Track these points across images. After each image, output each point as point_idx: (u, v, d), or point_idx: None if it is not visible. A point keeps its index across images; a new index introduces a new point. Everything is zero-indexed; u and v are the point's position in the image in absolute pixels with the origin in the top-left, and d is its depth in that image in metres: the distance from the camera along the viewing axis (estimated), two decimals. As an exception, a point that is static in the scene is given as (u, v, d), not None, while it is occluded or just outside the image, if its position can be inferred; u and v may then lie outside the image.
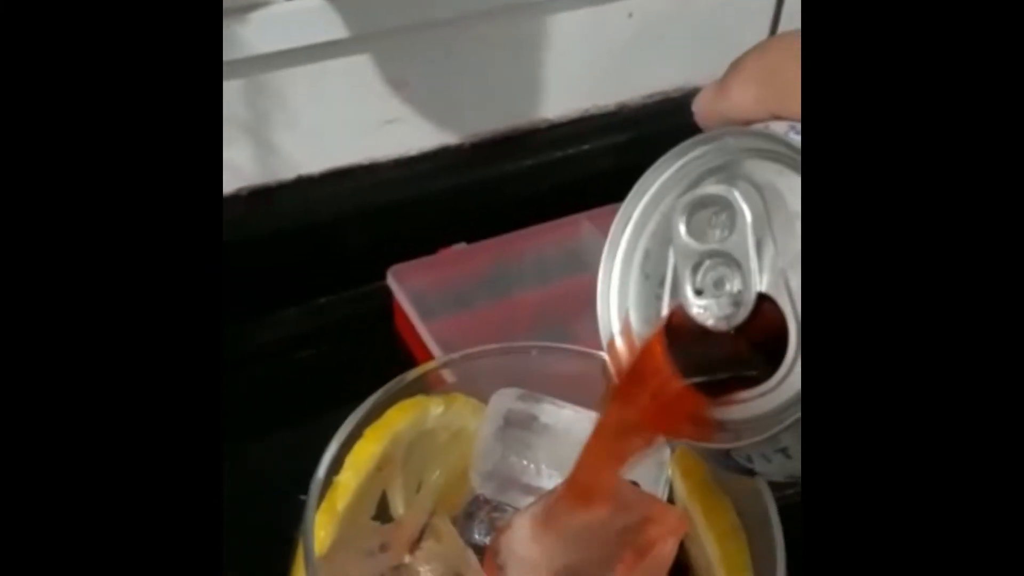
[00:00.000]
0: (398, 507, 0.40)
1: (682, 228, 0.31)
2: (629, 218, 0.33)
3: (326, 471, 0.37)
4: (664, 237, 0.32)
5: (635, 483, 0.40)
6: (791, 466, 0.30)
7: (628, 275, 0.33)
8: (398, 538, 0.38)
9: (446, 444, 0.41)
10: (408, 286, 0.63)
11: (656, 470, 0.40)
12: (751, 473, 0.31)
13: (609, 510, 0.37)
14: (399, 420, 0.39)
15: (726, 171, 0.30)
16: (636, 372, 0.32)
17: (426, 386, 0.41)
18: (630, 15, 0.70)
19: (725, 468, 0.32)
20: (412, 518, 0.38)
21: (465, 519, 0.41)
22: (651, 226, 0.32)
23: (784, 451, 0.29)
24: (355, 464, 0.38)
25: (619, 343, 0.33)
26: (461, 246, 0.67)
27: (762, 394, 0.29)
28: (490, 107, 0.70)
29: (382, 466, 0.38)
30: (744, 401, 0.30)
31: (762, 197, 0.29)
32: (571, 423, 0.41)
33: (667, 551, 0.37)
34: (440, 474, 0.41)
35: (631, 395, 0.32)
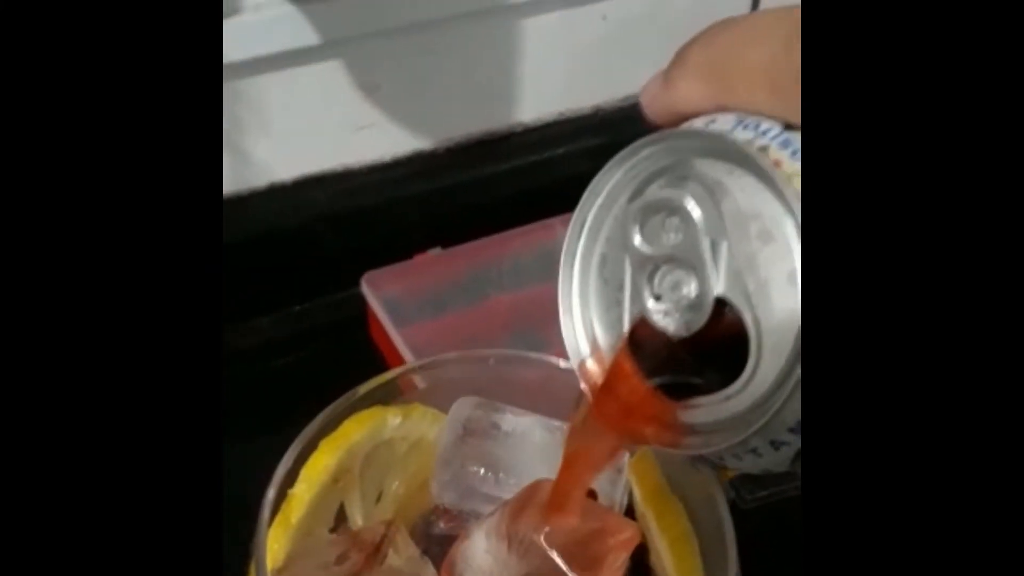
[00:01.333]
0: (356, 519, 0.40)
1: (636, 234, 0.30)
2: (583, 224, 0.32)
3: (278, 485, 0.37)
4: (619, 242, 0.31)
5: (592, 492, 0.40)
6: (763, 462, 0.29)
7: (587, 282, 0.33)
8: (356, 550, 0.38)
9: (405, 454, 0.41)
10: (382, 293, 0.63)
11: (614, 475, 0.40)
12: (725, 468, 0.31)
13: (568, 521, 0.37)
14: (355, 431, 0.39)
15: (676, 171, 0.30)
16: (605, 381, 0.32)
17: (385, 396, 0.41)
18: (604, 17, 0.70)
19: (697, 463, 0.32)
20: (370, 529, 0.38)
21: (424, 529, 0.40)
22: (605, 231, 0.32)
23: (755, 451, 0.29)
24: (310, 477, 0.37)
25: (586, 354, 0.33)
26: (436, 251, 0.67)
27: (728, 397, 0.29)
28: (464, 111, 0.69)
29: (338, 478, 0.38)
30: (711, 405, 0.29)
31: (713, 198, 0.28)
32: (531, 431, 0.41)
33: (619, 563, 0.37)
34: (399, 484, 0.41)
35: (602, 403, 0.32)
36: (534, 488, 0.38)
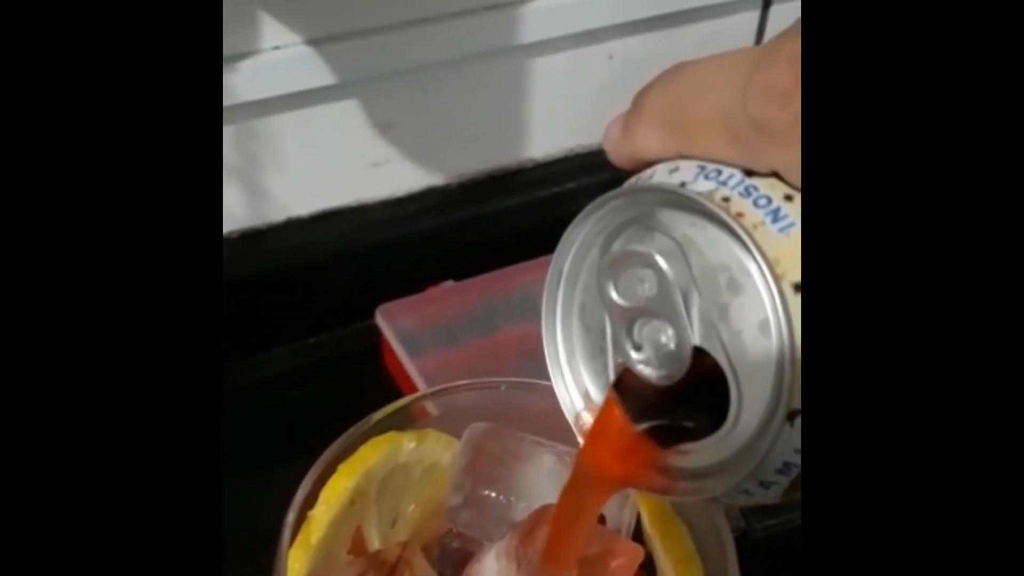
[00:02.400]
0: (373, 541, 0.41)
1: (611, 288, 0.30)
2: (561, 273, 0.32)
3: (298, 507, 0.38)
4: (596, 292, 0.31)
5: (601, 515, 0.41)
6: (755, 499, 0.30)
7: (570, 330, 0.33)
8: (372, 571, 0.39)
9: (420, 478, 0.42)
10: (396, 324, 0.65)
11: (622, 499, 0.41)
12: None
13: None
14: (372, 456, 0.40)
15: (643, 223, 0.29)
16: (594, 427, 0.32)
17: (399, 422, 0.42)
18: (611, 57, 0.72)
19: None
20: (386, 551, 0.40)
21: (439, 551, 0.42)
22: (583, 279, 0.32)
23: (746, 491, 0.29)
24: (328, 499, 0.39)
25: (579, 403, 0.33)
26: (449, 284, 0.69)
27: (716, 442, 0.29)
28: (476, 148, 0.71)
29: (355, 500, 0.40)
30: (700, 450, 0.29)
31: (682, 251, 0.28)
32: (541, 456, 0.42)
33: None
34: (415, 508, 0.42)
35: (592, 450, 0.32)
36: (543, 511, 0.39)
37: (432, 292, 0.68)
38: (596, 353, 0.32)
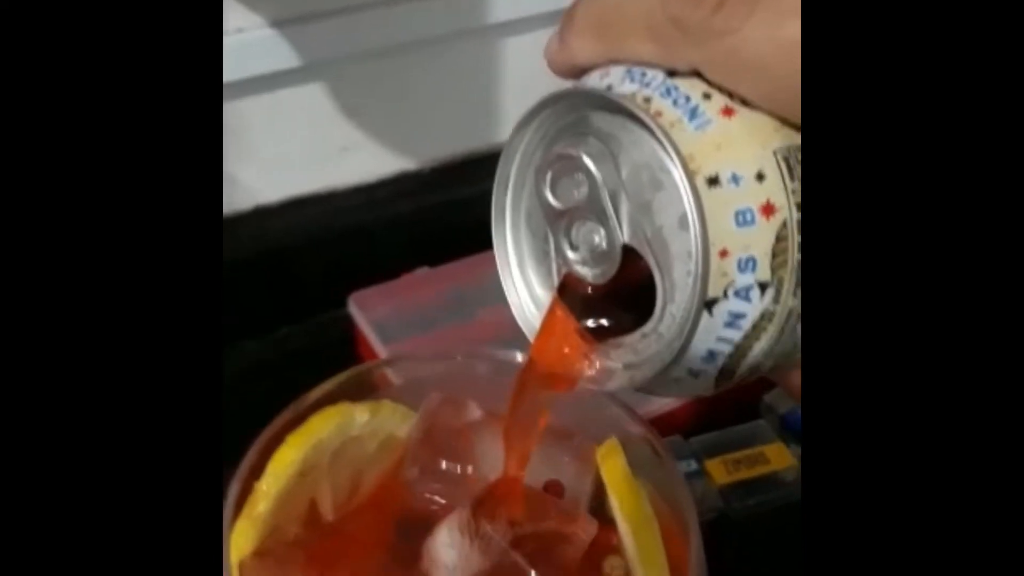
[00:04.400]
0: (327, 515, 0.40)
1: (547, 190, 0.32)
2: (507, 181, 0.34)
3: (243, 478, 0.37)
4: (538, 198, 0.33)
5: (559, 486, 0.40)
6: (688, 389, 0.31)
7: (519, 236, 0.34)
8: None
9: (376, 451, 0.41)
10: (369, 312, 0.63)
11: (581, 469, 0.40)
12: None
13: (524, 517, 0.37)
14: (322, 427, 0.39)
15: (577, 128, 0.31)
16: (542, 325, 0.34)
17: (355, 394, 0.41)
18: (584, 36, 0.70)
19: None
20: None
21: (397, 526, 0.40)
22: (528, 186, 0.33)
23: (677, 381, 0.31)
24: (276, 471, 0.37)
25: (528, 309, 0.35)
26: (423, 271, 0.67)
27: (644, 335, 0.31)
28: (448, 131, 0.70)
29: (306, 472, 0.38)
30: (632, 343, 0.31)
31: (611, 152, 0.30)
32: (499, 427, 0.40)
33: (573, 557, 0.37)
34: (371, 481, 0.40)
35: (540, 346, 0.34)
36: (496, 485, 0.38)
37: (406, 279, 0.67)
38: (542, 258, 0.34)
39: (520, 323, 0.35)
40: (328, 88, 0.65)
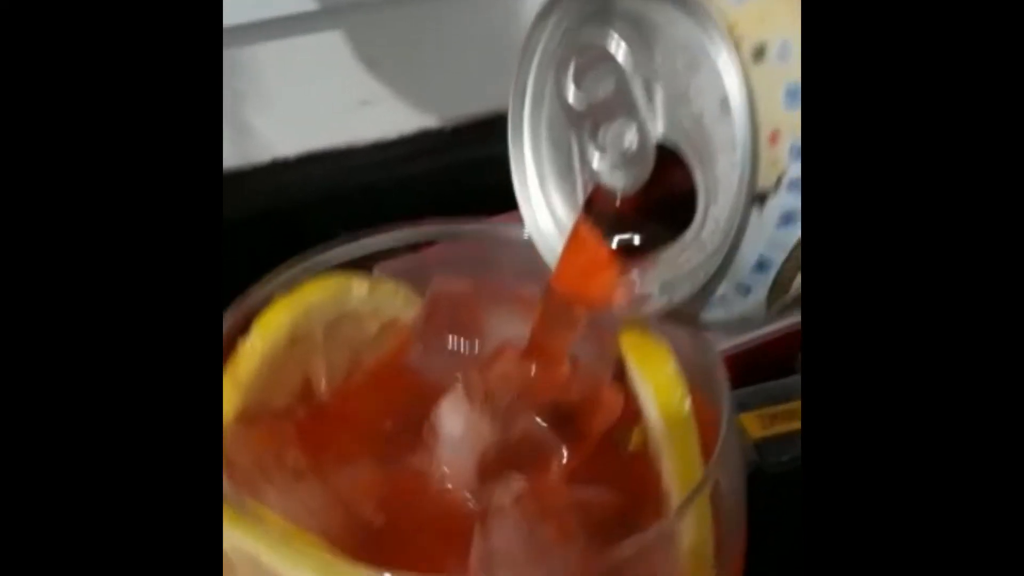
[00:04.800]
0: (322, 393, 0.37)
1: (569, 89, 0.29)
2: (524, 89, 0.31)
3: (226, 335, 0.34)
4: (560, 101, 0.30)
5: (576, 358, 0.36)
6: (737, 310, 0.28)
7: (539, 148, 0.32)
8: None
9: (378, 334, 0.38)
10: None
11: (598, 347, 0.36)
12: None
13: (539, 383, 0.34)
14: (314, 293, 0.36)
15: (602, 14, 0.28)
16: (566, 248, 0.31)
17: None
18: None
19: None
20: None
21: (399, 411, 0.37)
22: (548, 89, 0.30)
23: (723, 298, 0.28)
24: (263, 332, 0.35)
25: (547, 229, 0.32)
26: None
27: (684, 248, 0.28)
28: (471, 88, 0.68)
29: (296, 341, 0.35)
30: (669, 259, 0.28)
31: (640, 36, 0.27)
32: (510, 302, 0.38)
33: (598, 429, 0.34)
34: (372, 360, 0.38)
35: (565, 271, 0.32)
36: (502, 350, 0.35)
37: (428, 252, 0.65)
38: (565, 174, 0.31)
39: (540, 248, 0.32)
40: (346, 37, 0.63)
